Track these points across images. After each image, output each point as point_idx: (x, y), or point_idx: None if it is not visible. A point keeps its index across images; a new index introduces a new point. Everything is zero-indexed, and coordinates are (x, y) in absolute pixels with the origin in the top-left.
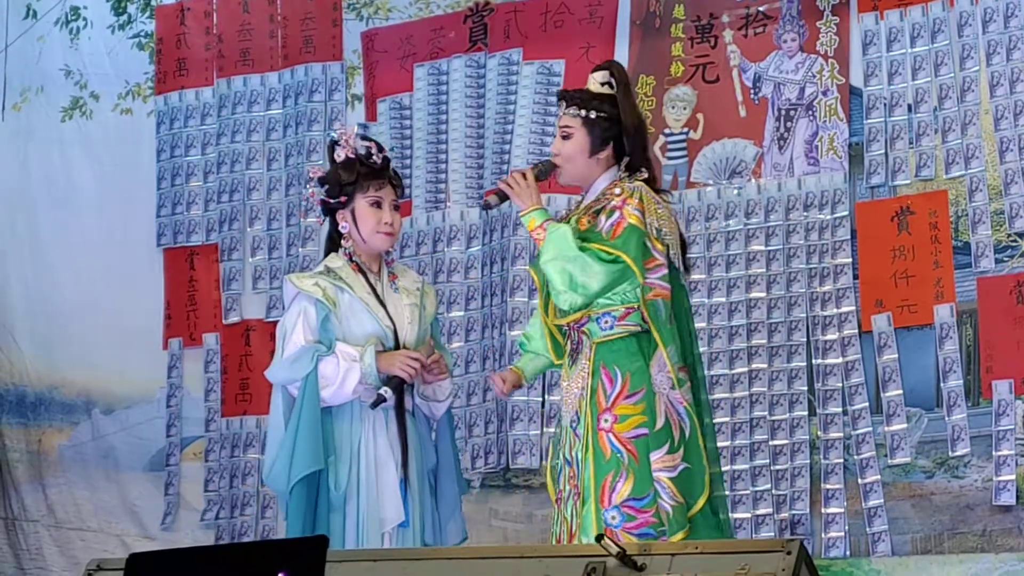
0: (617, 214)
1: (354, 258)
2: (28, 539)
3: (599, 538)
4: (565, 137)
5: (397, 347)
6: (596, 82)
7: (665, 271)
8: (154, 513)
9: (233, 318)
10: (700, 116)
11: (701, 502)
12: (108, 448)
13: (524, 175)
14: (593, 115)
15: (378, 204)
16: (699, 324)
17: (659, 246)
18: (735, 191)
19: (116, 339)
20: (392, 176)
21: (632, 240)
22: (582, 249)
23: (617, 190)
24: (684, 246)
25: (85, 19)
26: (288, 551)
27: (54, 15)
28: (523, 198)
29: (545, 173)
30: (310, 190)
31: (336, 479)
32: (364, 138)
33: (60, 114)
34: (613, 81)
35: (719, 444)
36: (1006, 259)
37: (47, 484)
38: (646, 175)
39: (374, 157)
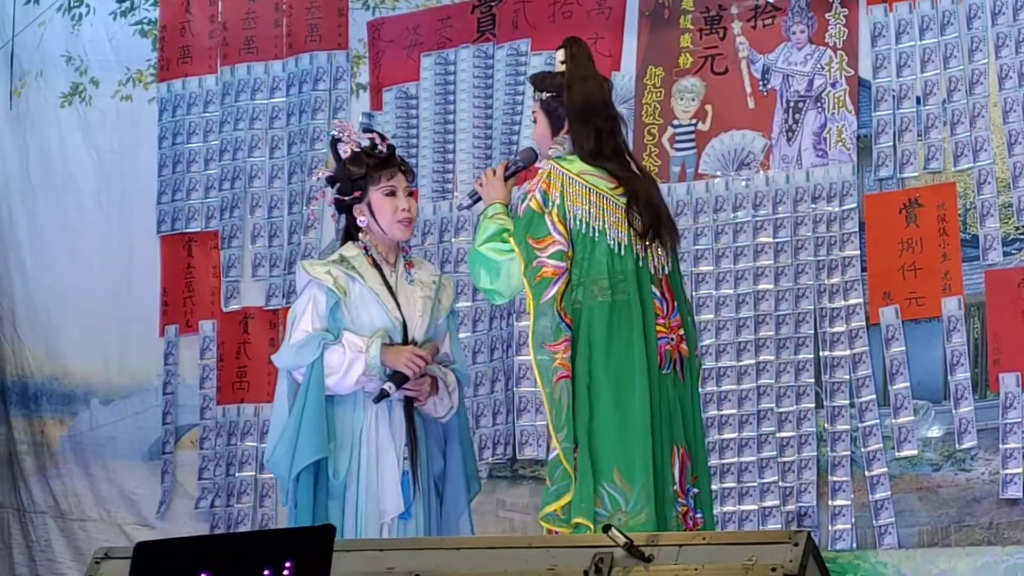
0: (526, 199)
1: (370, 251)
2: (37, 531)
3: (606, 528)
4: (534, 122)
5: (405, 340)
6: (558, 61)
7: (559, 248)
8: (153, 502)
9: (233, 306)
10: (709, 108)
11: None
12: (107, 438)
13: (495, 171)
14: (546, 96)
15: (392, 193)
16: (707, 316)
17: (560, 225)
18: (743, 183)
19: (114, 328)
20: (401, 163)
21: (521, 225)
22: (480, 244)
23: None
24: (655, 219)
25: (88, 6)
26: (295, 540)
27: (57, 1)
28: (488, 194)
29: (527, 162)
30: (319, 191)
31: (335, 467)
32: (366, 130)
33: (59, 100)
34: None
35: (726, 435)
36: (1014, 252)
37: (50, 475)
38: (569, 149)
39: (379, 147)
